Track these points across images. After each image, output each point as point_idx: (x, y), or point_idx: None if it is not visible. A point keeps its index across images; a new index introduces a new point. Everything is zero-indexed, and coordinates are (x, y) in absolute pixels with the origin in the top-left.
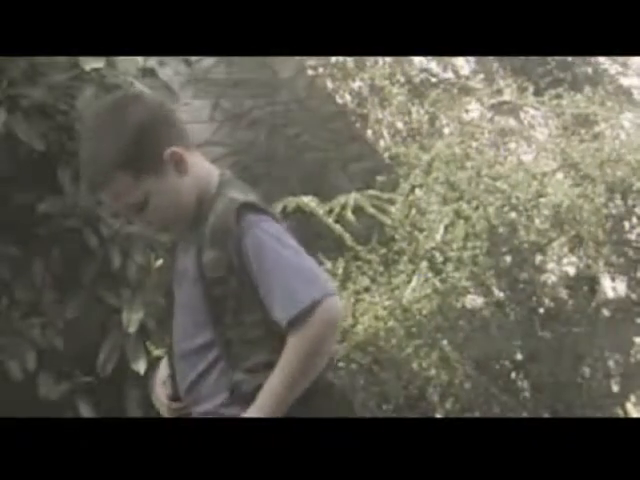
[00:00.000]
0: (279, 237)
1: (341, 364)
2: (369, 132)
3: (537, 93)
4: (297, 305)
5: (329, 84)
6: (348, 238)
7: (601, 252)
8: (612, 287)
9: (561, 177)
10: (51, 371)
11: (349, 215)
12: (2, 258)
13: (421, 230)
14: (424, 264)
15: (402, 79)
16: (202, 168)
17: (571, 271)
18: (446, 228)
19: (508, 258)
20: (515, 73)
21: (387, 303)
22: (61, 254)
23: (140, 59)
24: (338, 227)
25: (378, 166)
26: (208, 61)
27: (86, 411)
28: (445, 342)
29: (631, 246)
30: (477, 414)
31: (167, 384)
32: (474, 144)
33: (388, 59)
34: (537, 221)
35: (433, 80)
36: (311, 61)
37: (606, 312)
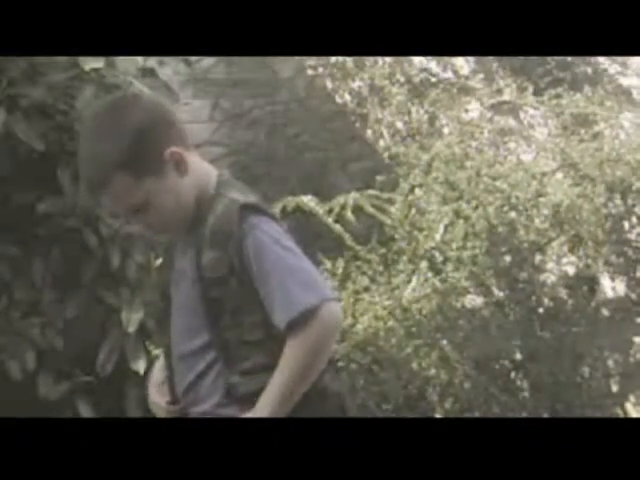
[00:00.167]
0: (279, 239)
1: (341, 364)
2: (369, 132)
3: (537, 93)
4: (296, 308)
5: (329, 84)
6: (348, 238)
7: (601, 252)
8: (612, 287)
9: (561, 177)
10: (51, 371)
11: (349, 215)
12: (2, 258)
13: (421, 230)
14: (424, 264)
15: (402, 79)
16: (201, 168)
17: (571, 271)
18: (446, 228)
19: (508, 258)
20: (515, 73)
21: (387, 303)
22: (61, 254)
23: (140, 59)
24: (338, 227)
25: (378, 166)
26: (208, 61)
27: (86, 411)
28: (445, 342)
29: (631, 246)
30: (477, 414)
31: (164, 386)
32: (474, 144)
33: (388, 59)
34: (537, 221)
35: (433, 80)
36: (311, 61)
37: (606, 312)
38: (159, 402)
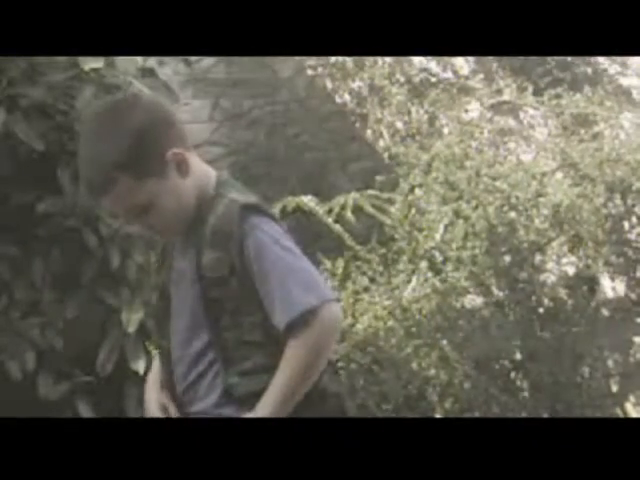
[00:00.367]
0: (280, 239)
1: (341, 364)
2: (369, 132)
3: (536, 93)
4: (296, 309)
5: (329, 84)
6: (348, 238)
7: (600, 252)
8: (611, 287)
9: (560, 177)
10: (51, 371)
11: (349, 215)
12: (2, 258)
13: (420, 230)
14: (424, 264)
15: (402, 79)
16: (201, 169)
17: (570, 271)
18: (445, 228)
19: (507, 258)
20: (515, 73)
21: (387, 303)
22: (61, 254)
23: (139, 59)
24: (338, 227)
25: (377, 166)
26: (208, 61)
27: (85, 411)
28: (444, 342)
29: (630, 246)
30: (476, 414)
31: (165, 387)
32: (473, 144)
33: (388, 59)
34: (536, 221)
35: (433, 80)
36: (311, 61)
37: (605, 312)
38: (159, 401)
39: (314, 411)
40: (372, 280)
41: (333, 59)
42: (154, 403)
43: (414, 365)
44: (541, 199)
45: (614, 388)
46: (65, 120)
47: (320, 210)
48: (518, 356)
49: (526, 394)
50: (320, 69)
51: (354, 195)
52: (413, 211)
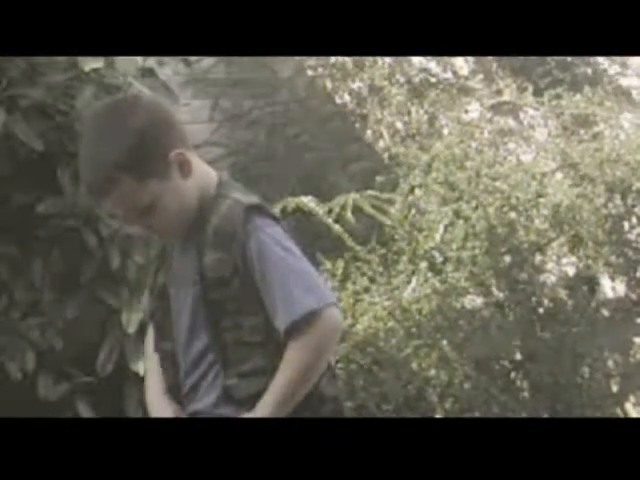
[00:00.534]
0: (283, 242)
1: (340, 364)
2: (368, 132)
3: (536, 93)
4: (297, 311)
5: (328, 84)
6: (347, 238)
7: (600, 252)
8: (611, 287)
9: (560, 177)
10: (50, 371)
11: (348, 215)
12: (2, 258)
13: (420, 230)
14: (423, 264)
15: (401, 79)
16: (202, 169)
17: (570, 271)
18: (445, 228)
19: (507, 258)
20: (514, 73)
21: (387, 303)
22: (60, 254)
23: (139, 59)
24: (337, 227)
25: (377, 166)
26: (207, 61)
27: (85, 411)
28: (444, 342)
29: (630, 246)
30: (476, 414)
31: (169, 390)
32: (473, 144)
33: (387, 59)
34: (536, 221)
35: (432, 80)
36: (310, 61)
37: (605, 312)
38: (171, 408)
39: (312, 414)
40: (372, 280)
41: (333, 59)
42: (165, 410)
43: (414, 365)
44: (541, 199)
45: (614, 388)
46: (65, 120)
47: (320, 210)
48: (518, 356)
49: (526, 394)
50: (320, 69)
51: (354, 195)
52: (413, 211)
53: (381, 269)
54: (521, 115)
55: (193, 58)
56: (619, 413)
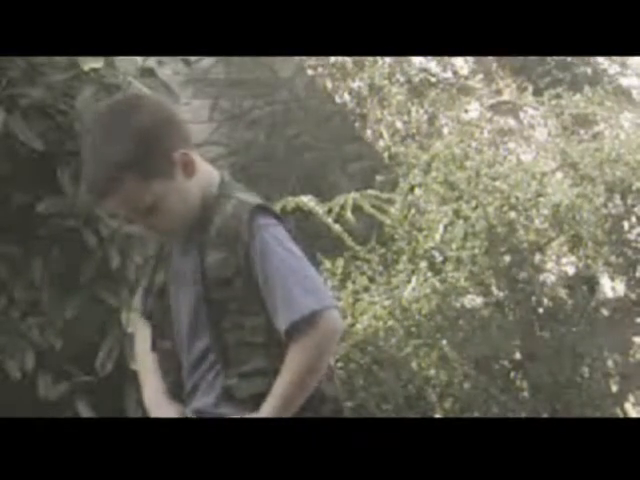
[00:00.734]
0: (286, 243)
1: (340, 364)
2: (368, 132)
3: (536, 93)
4: (297, 313)
5: (328, 84)
6: (347, 238)
7: (600, 252)
8: (611, 287)
9: (560, 177)
10: (50, 371)
11: (348, 215)
12: (2, 258)
13: (420, 230)
14: (423, 264)
15: (401, 79)
16: (204, 169)
17: (570, 271)
18: (445, 228)
19: (507, 258)
20: (514, 73)
21: (386, 303)
22: (60, 254)
23: (139, 59)
24: (337, 227)
25: (377, 166)
26: (207, 61)
27: (85, 411)
28: (444, 342)
29: (630, 246)
30: (476, 414)
31: (171, 390)
32: (473, 144)
33: (387, 59)
34: (536, 221)
35: (432, 80)
36: (311, 61)
37: (605, 312)
38: (177, 409)
39: (313, 414)
40: (372, 280)
41: (333, 59)
42: (167, 409)
43: (414, 365)
44: (541, 199)
45: (614, 388)
46: (65, 120)
47: (320, 210)
48: (518, 356)
49: (526, 394)
50: (320, 69)
51: (354, 195)
52: (413, 211)
53: (381, 268)
54: (521, 115)
55: (193, 58)
56: (619, 413)
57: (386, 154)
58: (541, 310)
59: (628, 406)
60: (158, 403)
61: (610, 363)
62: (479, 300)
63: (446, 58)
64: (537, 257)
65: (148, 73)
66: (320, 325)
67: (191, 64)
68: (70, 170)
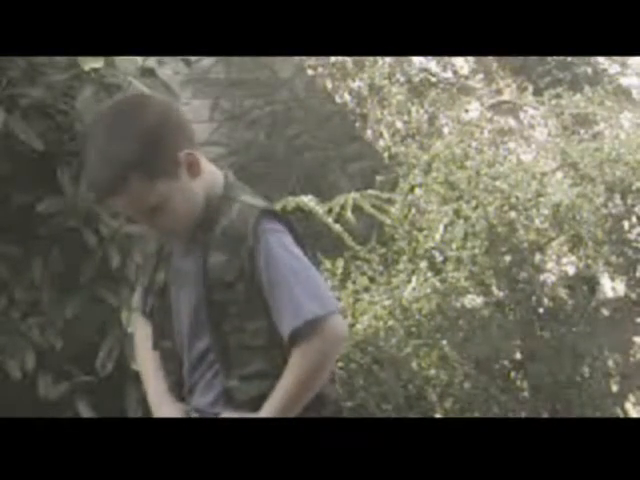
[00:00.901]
0: (291, 248)
1: (340, 364)
2: (368, 132)
3: (536, 93)
4: (301, 318)
5: (328, 84)
6: (347, 238)
7: (600, 252)
8: (611, 287)
9: (560, 177)
10: (50, 371)
11: (348, 215)
12: (2, 258)
13: (420, 230)
14: (423, 264)
15: (401, 79)
16: (209, 170)
17: (570, 271)
18: (445, 228)
19: (507, 258)
20: (514, 73)
21: (387, 303)
22: (61, 254)
23: (139, 59)
24: (337, 227)
25: (377, 166)
26: (207, 61)
27: (85, 411)
28: (444, 342)
29: (630, 246)
30: (476, 414)
31: (172, 389)
32: (473, 144)
33: (388, 59)
34: (536, 221)
35: (432, 80)
36: (311, 61)
37: (605, 312)
38: (182, 409)
39: (314, 416)
40: (372, 280)
41: (333, 59)
42: (172, 407)
43: (414, 365)
44: (541, 199)
45: (614, 388)
46: (65, 120)
47: (320, 210)
48: (518, 356)
49: (526, 394)
50: (320, 69)
51: (354, 195)
52: (413, 211)
53: (381, 268)
54: (521, 115)
55: (193, 58)
56: (619, 413)
57: (386, 154)
58: (541, 310)
59: (628, 406)
60: (162, 402)
61: (610, 363)
62: (479, 300)
63: (446, 58)
64: (537, 257)
65: (148, 73)
66: (324, 331)
67: (191, 64)
68: (70, 170)
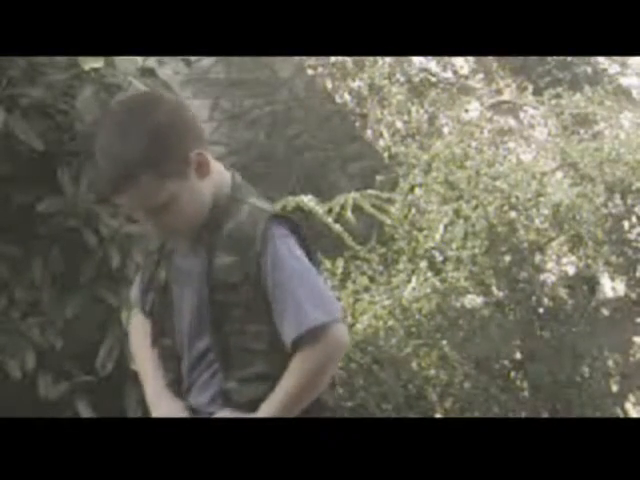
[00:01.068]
0: (298, 255)
1: (340, 364)
2: (368, 132)
3: (536, 93)
4: (304, 324)
5: (328, 84)
6: (347, 237)
7: (600, 251)
8: (611, 287)
9: (560, 176)
10: (50, 371)
11: (348, 214)
12: (2, 258)
13: (420, 229)
14: (423, 264)
15: (401, 79)
16: (217, 170)
17: (570, 270)
18: (445, 227)
19: (507, 257)
20: (514, 73)
21: (387, 302)
22: (61, 254)
23: (139, 59)
24: (337, 226)
25: (377, 166)
26: (207, 61)
27: (85, 411)
28: (444, 342)
29: (630, 246)
30: (476, 414)
31: (171, 388)
32: (473, 143)
33: (388, 59)
34: (536, 220)
35: (432, 80)
36: (311, 61)
37: (605, 311)
38: (184, 408)
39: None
40: (372, 280)
41: (333, 59)
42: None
43: (414, 365)
44: (541, 199)
45: (614, 388)
46: (65, 120)
47: (320, 210)
48: (518, 356)
49: (526, 394)
50: (320, 69)
51: (354, 195)
52: (413, 211)
53: (381, 268)
54: (521, 114)
55: (193, 58)
56: (619, 413)
57: (386, 154)
58: (541, 310)
59: (628, 406)
60: (161, 397)
61: (610, 363)
62: (479, 300)
63: (446, 58)
64: (537, 257)
65: (148, 73)
66: (327, 337)
67: (191, 64)
68: (70, 170)
